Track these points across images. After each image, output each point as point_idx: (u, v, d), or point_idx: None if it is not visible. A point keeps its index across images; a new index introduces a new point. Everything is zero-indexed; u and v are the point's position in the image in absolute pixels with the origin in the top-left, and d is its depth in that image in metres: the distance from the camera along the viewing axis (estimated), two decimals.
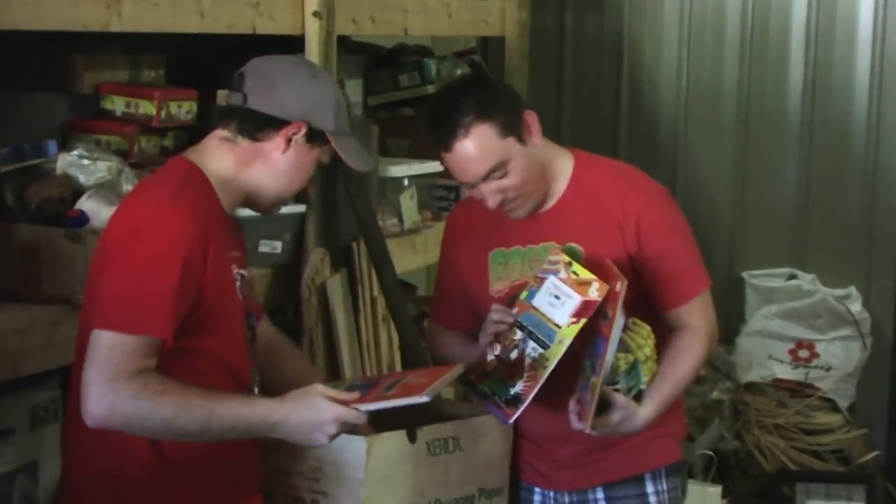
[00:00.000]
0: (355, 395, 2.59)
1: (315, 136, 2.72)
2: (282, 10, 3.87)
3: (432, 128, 2.98)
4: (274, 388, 2.81)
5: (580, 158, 3.10)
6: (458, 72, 5.11)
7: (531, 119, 2.98)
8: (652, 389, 2.97)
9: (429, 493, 2.99)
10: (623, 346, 2.92)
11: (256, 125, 2.68)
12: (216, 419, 2.50)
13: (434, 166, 4.34)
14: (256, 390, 2.78)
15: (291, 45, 3.85)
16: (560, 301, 2.90)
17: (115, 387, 2.45)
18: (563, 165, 3.07)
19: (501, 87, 3.10)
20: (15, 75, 3.50)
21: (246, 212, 3.72)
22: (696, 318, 3.06)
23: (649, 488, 3.15)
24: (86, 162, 3.29)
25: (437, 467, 3.00)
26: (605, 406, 2.91)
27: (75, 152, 3.32)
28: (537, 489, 3.19)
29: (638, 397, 2.96)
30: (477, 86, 3.01)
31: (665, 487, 3.16)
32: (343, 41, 4.25)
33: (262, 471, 2.84)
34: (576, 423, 2.89)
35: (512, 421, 2.95)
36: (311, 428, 2.55)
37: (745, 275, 6.32)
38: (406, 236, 4.45)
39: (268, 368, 2.90)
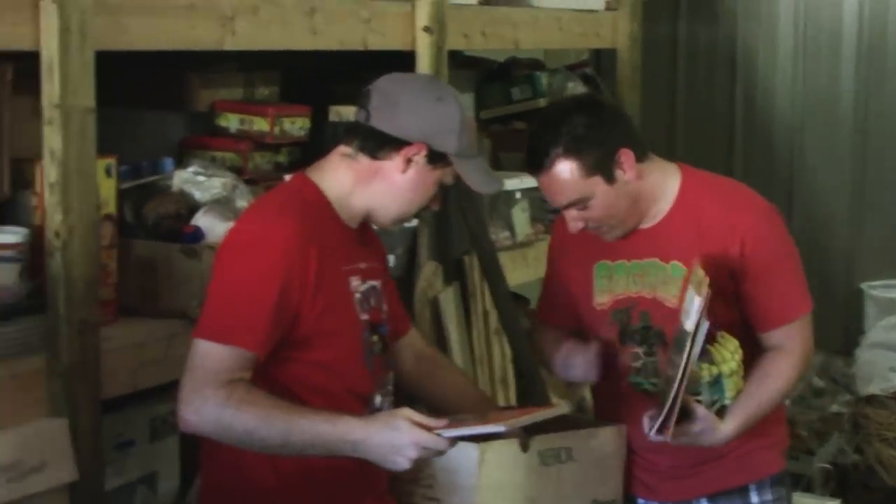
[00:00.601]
0: (442, 421, 2.57)
1: (436, 158, 2.72)
2: (393, 26, 3.90)
3: (528, 148, 3.02)
4: (432, 400, 2.92)
5: (687, 175, 3.08)
6: (570, 85, 5.10)
7: (626, 157, 2.96)
8: (736, 406, 2.94)
9: (541, 503, 2.99)
10: (708, 357, 2.90)
11: (377, 144, 2.71)
12: (296, 434, 2.52)
13: None
14: (381, 402, 2.80)
15: (403, 60, 3.88)
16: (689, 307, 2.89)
17: (203, 394, 2.51)
18: (669, 184, 3.05)
19: (607, 117, 3.04)
20: (133, 94, 3.57)
21: None
22: (793, 341, 3.02)
23: (754, 499, 3.13)
24: (201, 178, 3.35)
25: (549, 477, 3.00)
26: (685, 415, 2.90)
27: (191, 169, 3.37)
28: (640, 500, 3.19)
29: (721, 413, 2.94)
30: (579, 116, 2.97)
31: (770, 498, 3.14)
32: (454, 56, 4.27)
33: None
34: (647, 431, 2.88)
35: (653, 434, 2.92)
36: (391, 450, 2.53)
37: (864, 286, 6.23)
38: (518, 249, 4.45)
39: (426, 382, 2.99)
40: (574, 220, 2.99)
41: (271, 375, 2.62)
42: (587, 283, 3.13)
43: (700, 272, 2.84)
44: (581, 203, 2.96)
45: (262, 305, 2.55)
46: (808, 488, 5.30)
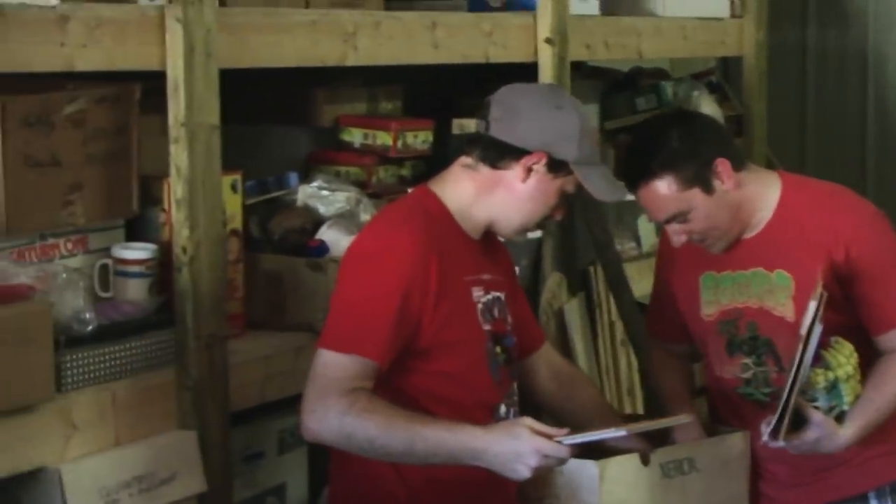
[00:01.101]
0: (563, 430, 2.56)
1: (557, 166, 2.71)
2: (515, 39, 3.90)
3: (625, 165, 3.05)
4: (571, 417, 2.90)
5: (788, 183, 3.05)
6: (696, 94, 5.07)
7: (723, 167, 2.94)
8: (855, 411, 2.90)
9: None
10: (822, 363, 2.86)
11: (497, 154, 2.71)
12: (419, 442, 2.52)
13: None
14: (507, 412, 2.79)
15: (525, 72, 3.88)
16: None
17: (326, 403, 2.53)
18: (770, 193, 3.03)
19: (701, 128, 3.03)
20: (258, 110, 3.62)
21: None
22: None
23: None
24: (325, 193, 3.39)
25: (673, 490, 2.97)
26: (803, 423, 2.87)
27: (315, 183, 3.42)
28: None
29: (840, 418, 2.90)
30: (672, 129, 2.97)
31: None
32: (579, 66, 4.27)
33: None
34: (765, 439, 2.85)
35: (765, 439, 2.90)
36: (512, 458, 2.51)
37: None
38: (644, 259, 4.42)
39: (566, 403, 2.99)
40: (677, 234, 2.98)
41: (395, 385, 2.64)
42: (694, 294, 3.12)
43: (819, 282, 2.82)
44: (682, 216, 2.95)
45: (383, 314, 2.57)
46: None
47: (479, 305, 2.75)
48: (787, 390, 2.79)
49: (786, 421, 2.81)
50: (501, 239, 2.90)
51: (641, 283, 4.31)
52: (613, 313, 4.14)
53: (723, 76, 5.85)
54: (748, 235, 3.04)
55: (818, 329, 2.79)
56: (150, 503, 2.74)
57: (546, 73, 3.98)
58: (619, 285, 4.09)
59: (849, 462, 3.05)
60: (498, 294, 2.81)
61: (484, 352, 2.76)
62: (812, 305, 2.79)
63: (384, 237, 2.66)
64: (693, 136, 2.96)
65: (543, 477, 2.85)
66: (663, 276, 3.24)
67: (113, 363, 2.78)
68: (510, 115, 2.71)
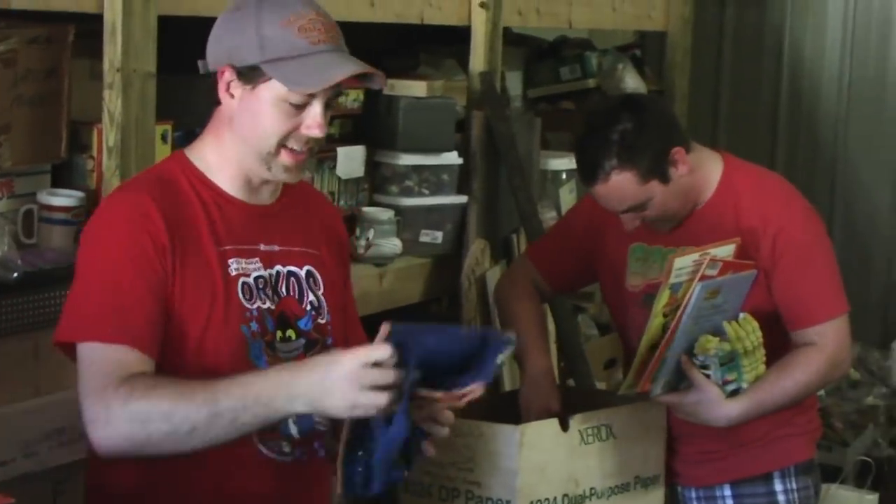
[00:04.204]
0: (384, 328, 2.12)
1: (249, 75, 2.25)
2: (450, 1, 3.88)
3: (577, 159, 3.01)
4: None
5: (729, 165, 3.07)
6: (620, 66, 5.08)
7: (679, 155, 2.95)
8: (749, 390, 2.91)
9: (584, 481, 2.99)
10: (719, 332, 2.86)
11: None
12: (223, 398, 2.10)
13: None
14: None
15: (458, 35, 3.86)
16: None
17: (105, 402, 2.14)
18: (713, 173, 3.05)
19: (653, 117, 2.99)
20: (188, 61, 3.54)
21: (410, 202, 3.76)
22: (825, 339, 2.99)
23: (777, 486, 3.12)
24: None
25: (591, 456, 3.00)
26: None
27: None
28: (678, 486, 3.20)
29: (736, 395, 2.91)
30: (624, 121, 2.93)
31: (794, 486, 3.13)
32: (505, 33, 4.25)
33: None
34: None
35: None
36: (330, 384, 2.08)
37: None
38: None
39: None
40: (631, 221, 2.98)
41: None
42: (621, 264, 3.13)
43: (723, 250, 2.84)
44: (639, 208, 2.95)
45: (127, 290, 2.20)
46: (842, 481, 5.27)
47: (244, 279, 2.31)
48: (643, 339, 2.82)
49: (647, 370, 2.83)
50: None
51: None
52: None
53: (641, 50, 5.88)
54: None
55: (697, 293, 2.77)
56: (71, 456, 2.68)
57: (479, 38, 3.99)
58: None
59: (755, 442, 3.09)
60: (293, 269, 2.39)
61: (239, 333, 2.30)
62: (691, 264, 2.80)
63: (97, 214, 2.33)
64: (646, 127, 2.93)
65: (456, 441, 2.85)
66: (581, 231, 3.23)
67: (37, 312, 2.70)
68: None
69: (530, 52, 5.10)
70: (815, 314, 3.00)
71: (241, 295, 2.29)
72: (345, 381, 2.07)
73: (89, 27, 2.82)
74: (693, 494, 3.18)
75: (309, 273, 2.41)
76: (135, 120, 2.81)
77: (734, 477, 3.14)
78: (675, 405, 2.95)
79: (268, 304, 2.33)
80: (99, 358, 2.17)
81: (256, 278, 2.32)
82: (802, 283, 2.99)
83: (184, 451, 2.15)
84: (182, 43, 3.25)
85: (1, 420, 2.57)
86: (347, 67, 2.27)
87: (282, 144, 2.28)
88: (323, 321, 2.40)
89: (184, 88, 3.47)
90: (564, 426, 2.95)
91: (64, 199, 2.88)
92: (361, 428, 2.17)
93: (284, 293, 2.37)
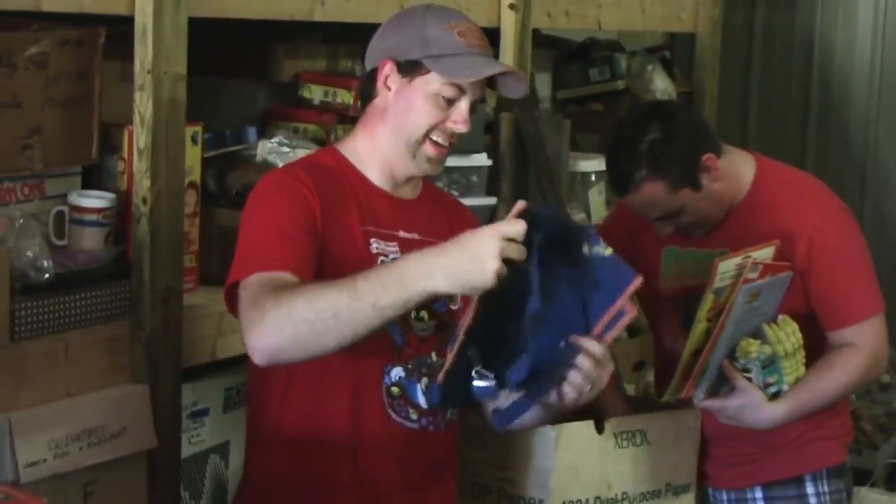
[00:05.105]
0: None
1: (408, 68, 2.51)
2: (479, 2, 3.88)
3: (608, 170, 3.03)
4: None
5: (762, 166, 3.06)
6: (650, 67, 5.07)
7: (711, 162, 2.94)
8: (790, 393, 2.92)
9: (616, 485, 2.99)
10: (760, 335, 2.86)
11: (364, 87, 2.62)
12: (362, 283, 2.20)
13: None
14: (411, 378, 2.56)
15: (488, 36, 3.84)
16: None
17: (259, 309, 2.27)
18: (745, 175, 3.04)
19: (683, 125, 2.99)
20: (216, 62, 3.55)
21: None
22: (862, 338, 2.99)
23: (809, 489, 3.12)
24: (285, 149, 3.33)
25: (624, 460, 3.00)
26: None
27: (275, 140, 3.36)
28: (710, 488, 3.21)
29: (778, 398, 2.92)
30: (653, 130, 2.93)
31: (826, 489, 3.13)
32: (534, 34, 4.25)
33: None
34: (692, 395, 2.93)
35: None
36: (470, 256, 2.15)
37: None
38: None
39: None
40: (664, 227, 2.98)
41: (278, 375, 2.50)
42: (654, 266, 3.13)
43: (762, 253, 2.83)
44: (672, 217, 2.94)
45: (286, 232, 2.41)
46: (873, 483, 5.25)
47: (382, 258, 2.50)
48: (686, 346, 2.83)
49: (690, 377, 2.84)
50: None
51: None
52: None
53: (670, 52, 5.86)
54: None
55: (740, 299, 2.78)
56: (100, 457, 2.69)
57: (508, 39, 3.98)
58: None
59: (787, 445, 3.09)
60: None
61: None
62: (734, 267, 2.79)
63: (258, 185, 2.56)
64: (676, 135, 2.93)
65: (492, 439, 2.87)
66: (618, 239, 3.19)
67: (67, 313, 2.72)
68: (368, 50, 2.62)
69: (559, 53, 5.10)
70: (852, 314, 3.00)
71: None
72: (485, 249, 2.14)
73: (120, 29, 2.82)
74: (724, 497, 3.18)
75: None
76: (165, 121, 2.81)
77: (766, 479, 3.14)
78: (718, 410, 2.94)
79: None
80: (257, 280, 2.32)
81: (394, 259, 2.43)
82: (839, 284, 2.99)
83: (330, 344, 2.24)
84: (212, 45, 3.29)
85: (32, 420, 2.57)
86: (496, 66, 2.55)
87: (427, 136, 2.51)
88: (455, 307, 2.55)
89: (213, 90, 3.50)
90: (600, 429, 2.96)
91: (95, 200, 2.88)
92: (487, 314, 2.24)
93: None
